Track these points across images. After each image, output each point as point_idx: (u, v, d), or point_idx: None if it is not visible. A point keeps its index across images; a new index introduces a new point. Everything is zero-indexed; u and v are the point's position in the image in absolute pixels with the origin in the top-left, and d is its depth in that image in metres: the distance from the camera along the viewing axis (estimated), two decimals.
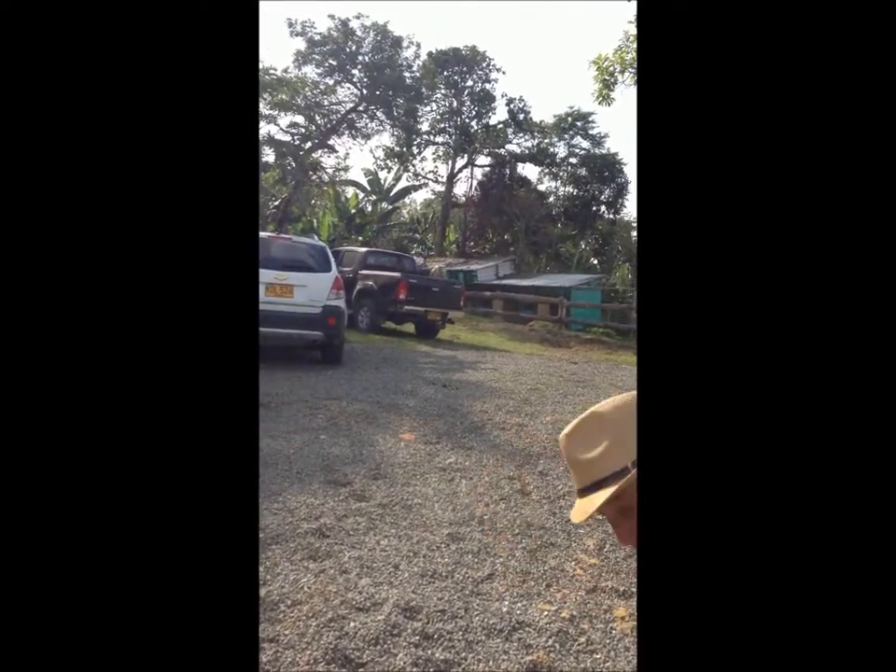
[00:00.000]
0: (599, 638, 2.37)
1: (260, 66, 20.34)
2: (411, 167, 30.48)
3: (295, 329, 7.28)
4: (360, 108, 26.76)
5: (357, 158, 68.16)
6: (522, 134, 30.07)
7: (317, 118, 25.83)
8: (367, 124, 27.42)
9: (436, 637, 2.29)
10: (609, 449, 1.08)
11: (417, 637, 2.27)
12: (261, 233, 7.91)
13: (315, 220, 28.06)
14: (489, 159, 30.74)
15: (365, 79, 26.16)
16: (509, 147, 30.29)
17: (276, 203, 26.60)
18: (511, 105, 29.31)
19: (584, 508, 1.06)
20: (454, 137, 29.82)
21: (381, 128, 27.68)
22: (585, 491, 1.08)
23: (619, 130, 57.24)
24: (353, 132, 27.15)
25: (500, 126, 29.98)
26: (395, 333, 12.33)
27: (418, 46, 28.81)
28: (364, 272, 12.37)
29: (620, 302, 20.73)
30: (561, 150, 30.54)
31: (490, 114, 29.97)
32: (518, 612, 2.50)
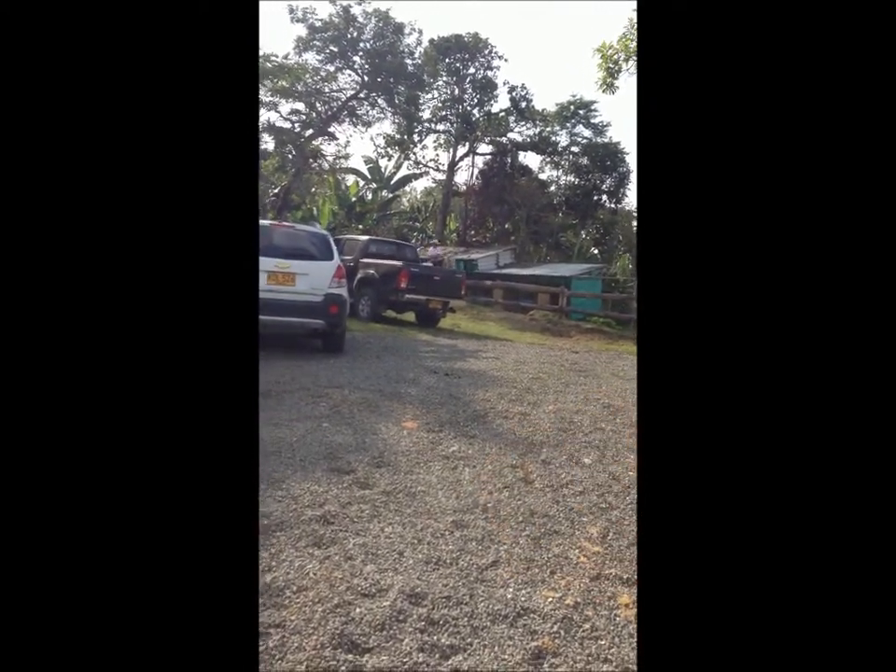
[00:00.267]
0: (603, 625, 2.39)
1: (261, 53, 20.20)
2: (412, 155, 30.37)
3: (297, 317, 7.27)
4: (361, 95, 26.60)
5: (357, 145, 67.90)
6: (524, 123, 29.92)
7: (318, 105, 25.68)
8: (368, 111, 27.28)
9: (441, 622, 2.30)
10: None
11: (423, 623, 2.28)
12: (264, 221, 7.88)
13: (314, 208, 27.99)
14: (490, 147, 30.61)
15: (366, 66, 25.99)
16: (510, 135, 30.16)
17: (276, 190, 26.51)
18: (513, 93, 29.16)
19: None
20: (455, 125, 29.67)
21: (382, 115, 27.54)
22: None
23: (621, 119, 56.99)
24: (353, 119, 27.01)
25: (502, 114, 29.83)
26: (395, 322, 12.33)
27: (420, 33, 28.64)
28: (365, 260, 12.35)
29: (620, 292, 20.71)
30: (563, 139, 30.43)
31: (492, 102, 29.83)
32: (523, 599, 2.51)
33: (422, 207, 35.07)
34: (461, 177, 31.72)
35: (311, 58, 25.37)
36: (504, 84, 30.27)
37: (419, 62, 27.57)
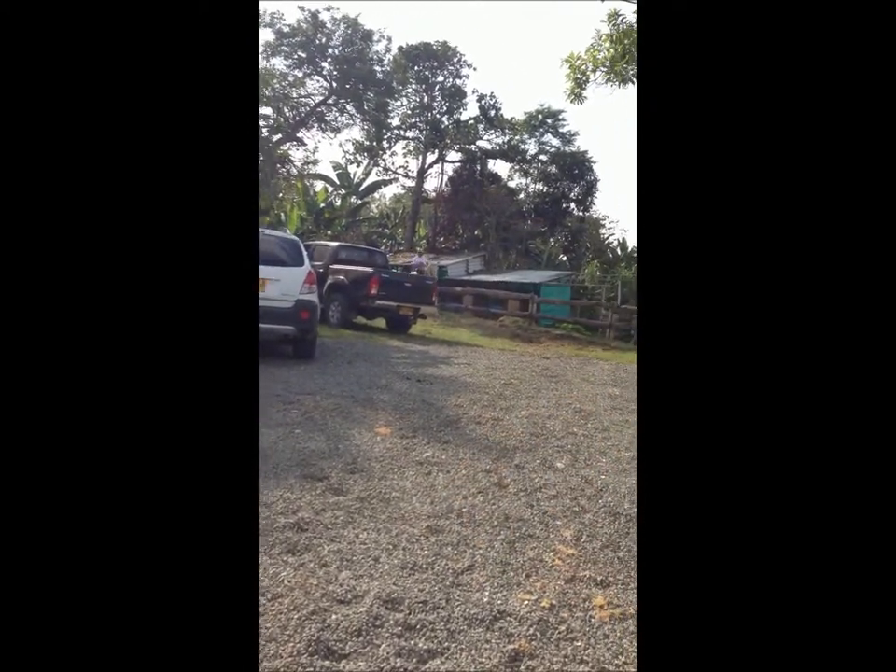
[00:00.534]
0: (579, 626, 2.41)
1: None
2: (381, 162, 30.34)
3: (267, 323, 7.19)
4: (330, 101, 26.50)
5: (326, 151, 67.51)
6: (493, 131, 30.13)
7: (286, 110, 25.50)
8: (336, 118, 27.17)
9: (418, 627, 2.30)
10: None
11: (400, 628, 2.27)
12: None
13: (282, 214, 27.72)
14: (460, 154, 30.75)
15: (335, 72, 25.91)
16: (479, 143, 30.34)
17: None
18: (482, 102, 29.38)
19: None
20: (424, 132, 29.75)
21: (351, 122, 27.46)
22: None
23: (588, 128, 57.74)
24: (322, 125, 26.88)
25: (471, 122, 30.01)
26: (366, 328, 12.28)
27: (389, 40, 28.52)
28: (335, 266, 12.29)
29: (589, 299, 20.95)
30: (531, 147, 30.73)
31: (461, 110, 29.99)
32: (499, 602, 2.52)
33: (391, 214, 35.03)
34: (430, 184, 31.82)
35: (278, 63, 25.22)
36: (473, 92, 30.45)
37: (388, 69, 27.59)
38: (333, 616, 2.31)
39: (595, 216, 31.32)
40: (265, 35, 25.36)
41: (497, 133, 30.18)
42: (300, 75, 25.79)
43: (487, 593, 2.59)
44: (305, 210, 28.79)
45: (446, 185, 30.47)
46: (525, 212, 30.09)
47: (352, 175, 30.86)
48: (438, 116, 29.85)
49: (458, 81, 29.65)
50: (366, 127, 27.94)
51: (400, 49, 28.62)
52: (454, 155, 30.96)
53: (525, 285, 20.06)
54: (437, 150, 30.23)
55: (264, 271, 7.26)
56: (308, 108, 26.24)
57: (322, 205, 29.41)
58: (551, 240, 29.73)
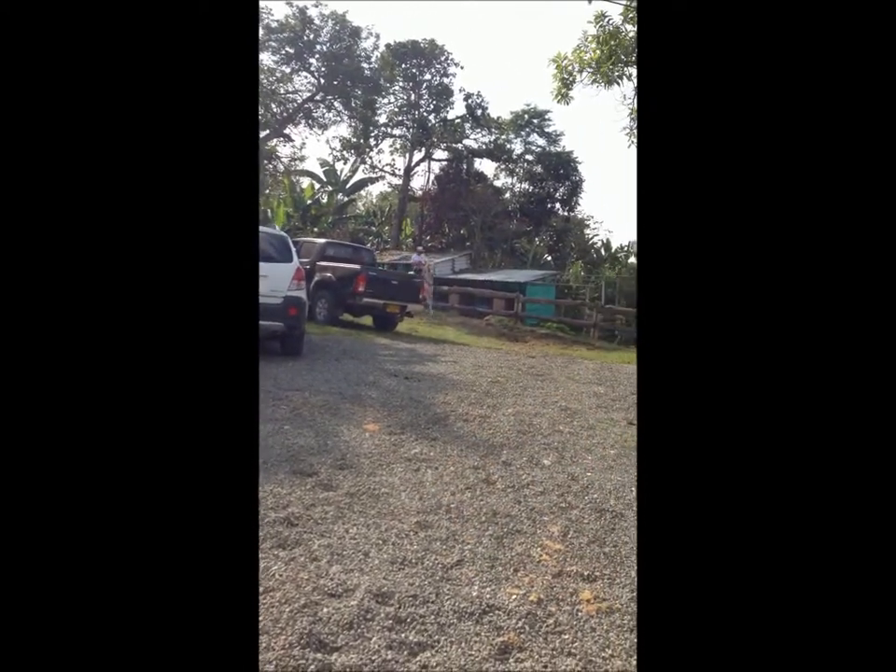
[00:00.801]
0: (567, 620, 2.45)
1: None
2: (368, 159, 30.28)
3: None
4: (317, 98, 26.41)
5: (313, 148, 67.21)
6: (479, 130, 30.18)
7: (273, 106, 25.38)
8: (324, 114, 27.10)
9: (409, 620, 2.33)
10: None
11: (390, 622, 2.30)
12: None
13: (269, 210, 27.57)
14: (446, 153, 30.76)
15: (322, 69, 25.82)
16: (466, 142, 30.38)
17: None
18: (469, 101, 29.40)
19: None
20: (411, 130, 29.73)
21: (338, 118, 27.40)
22: None
23: (574, 128, 57.96)
24: (309, 121, 26.79)
25: (458, 121, 30.02)
26: (353, 326, 12.27)
27: (377, 37, 28.59)
28: (322, 263, 12.26)
29: (573, 299, 21.06)
30: (517, 147, 30.83)
31: (448, 108, 30.00)
32: (488, 596, 2.55)
33: (378, 211, 34.95)
34: (417, 182, 31.82)
35: (266, 59, 25.11)
36: (460, 91, 30.48)
37: (376, 66, 27.54)
38: (325, 609, 2.33)
39: (579, 216, 31.47)
40: None
41: (484, 133, 30.25)
42: (287, 70, 25.69)
43: (476, 587, 2.62)
44: (292, 207, 28.65)
45: (433, 183, 30.48)
46: (510, 211, 30.16)
47: (339, 172, 30.77)
48: (425, 114, 29.83)
49: (445, 80, 29.68)
50: (353, 124, 27.88)
51: (388, 46, 28.58)
52: (440, 153, 31.01)
53: (510, 284, 20.13)
54: (424, 148, 30.22)
55: None
56: (295, 104, 26.12)
57: (309, 202, 29.29)
58: (536, 239, 29.81)
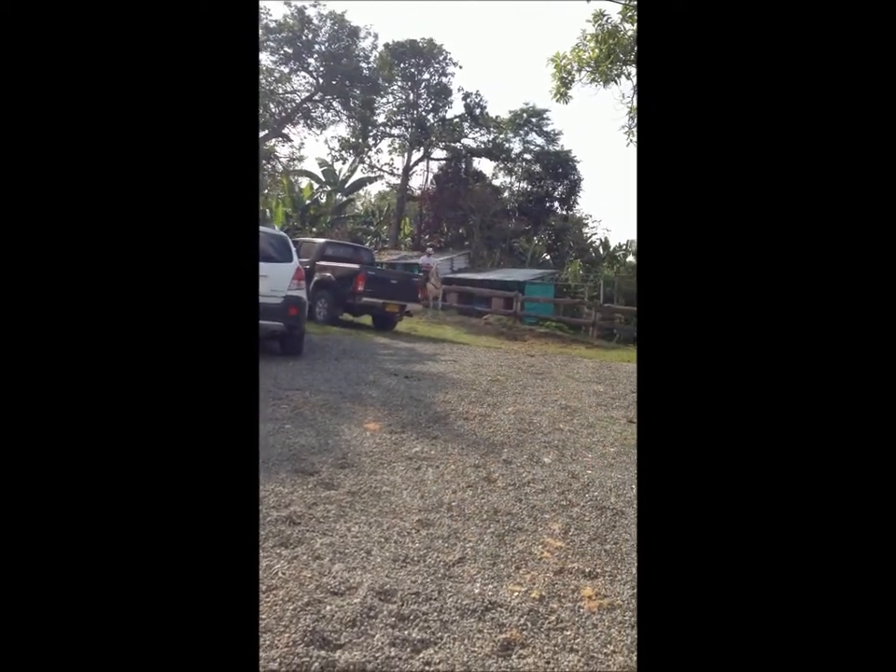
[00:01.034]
0: (568, 616, 2.46)
1: None
2: (366, 159, 30.29)
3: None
4: (316, 98, 26.41)
5: (312, 148, 67.25)
6: (478, 129, 30.19)
7: (272, 106, 25.37)
8: (322, 114, 27.11)
9: (411, 618, 2.34)
10: None
11: (393, 619, 2.31)
12: None
13: (267, 210, 27.57)
14: (445, 152, 30.77)
15: (321, 69, 25.82)
16: (464, 141, 30.39)
17: None
18: (468, 100, 29.41)
19: None
20: (410, 130, 29.73)
21: (337, 118, 27.41)
22: None
23: (573, 127, 57.98)
24: (308, 121, 26.79)
25: (456, 120, 30.03)
26: (352, 325, 12.27)
27: (375, 37, 28.50)
28: (322, 263, 12.26)
29: (572, 297, 21.08)
30: (516, 146, 30.84)
31: (446, 108, 30.01)
32: (490, 593, 2.57)
33: (376, 211, 34.95)
34: (416, 182, 31.82)
35: (265, 59, 25.11)
36: (458, 90, 30.48)
37: (374, 66, 27.54)
38: (328, 607, 2.34)
39: (578, 215, 31.53)
40: None
41: (482, 132, 30.26)
42: (286, 70, 25.69)
43: (478, 584, 2.63)
44: (291, 207, 28.64)
45: (431, 183, 30.48)
46: (509, 210, 30.18)
47: (337, 172, 30.77)
48: (423, 113, 29.83)
49: (444, 79, 29.69)
50: (352, 124, 27.88)
51: (387, 46, 28.58)
52: (439, 153, 31.02)
53: (509, 283, 20.14)
54: (422, 148, 30.22)
55: None
56: (294, 104, 26.12)
57: (307, 202, 29.28)
58: (535, 238, 29.84)
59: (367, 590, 2.48)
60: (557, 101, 12.92)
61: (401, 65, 29.09)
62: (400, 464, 4.08)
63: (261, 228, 8.93)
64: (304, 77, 26.28)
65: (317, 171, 30.93)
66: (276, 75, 25.33)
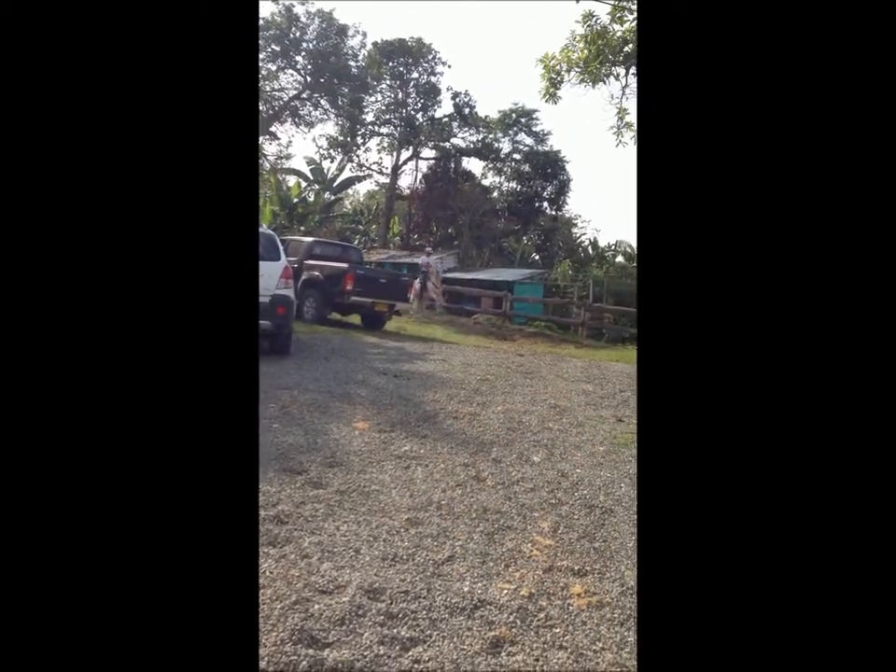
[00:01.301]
0: (558, 614, 2.46)
1: None
2: (355, 157, 30.22)
3: None
4: (304, 96, 26.33)
5: (300, 146, 66.94)
6: (467, 129, 30.21)
7: (259, 104, 25.25)
8: (310, 112, 27.04)
9: (401, 616, 2.33)
10: None
11: (382, 617, 2.30)
12: None
13: None
14: (434, 152, 30.76)
15: (309, 67, 25.74)
16: (454, 140, 30.40)
17: None
18: (457, 99, 29.42)
19: None
20: (399, 129, 29.69)
21: (325, 117, 27.34)
22: None
23: (562, 127, 58.16)
24: (296, 119, 26.71)
25: (445, 120, 30.03)
26: (340, 324, 12.24)
27: (364, 35, 28.55)
28: (310, 262, 12.22)
29: (561, 297, 21.13)
30: (505, 146, 30.88)
31: (435, 107, 30.00)
32: (479, 591, 2.56)
33: (365, 210, 34.89)
34: (405, 181, 31.79)
35: None
36: (448, 90, 30.49)
37: (363, 64, 27.48)
38: (316, 606, 2.33)
39: (567, 215, 31.62)
40: None
41: (472, 131, 30.28)
42: (273, 68, 25.59)
43: (468, 582, 2.63)
44: (278, 205, 28.51)
45: (420, 182, 30.46)
46: (498, 210, 30.21)
47: (326, 171, 30.67)
48: (412, 112, 29.81)
49: (433, 78, 29.68)
50: (340, 122, 27.81)
51: (375, 44, 28.53)
52: (428, 152, 31.00)
53: (498, 283, 20.17)
54: (411, 147, 30.20)
55: None
56: (282, 102, 26.03)
57: (295, 200, 29.15)
58: (524, 238, 29.89)
59: (355, 588, 2.47)
60: (546, 101, 12.95)
61: (390, 64, 29.04)
62: (389, 463, 4.07)
63: None
64: (292, 75, 26.23)
65: (305, 169, 30.84)
66: (264, 72, 25.23)
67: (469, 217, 27.75)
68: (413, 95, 29.88)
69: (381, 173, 31.15)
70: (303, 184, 30.77)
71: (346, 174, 31.11)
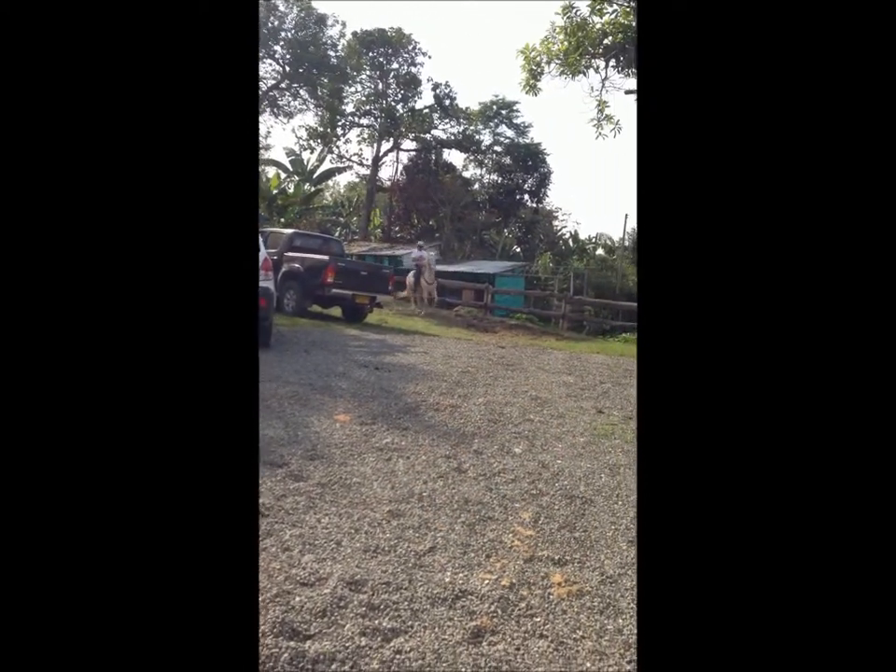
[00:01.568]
0: (538, 603, 2.48)
1: None
2: (335, 148, 30.00)
3: None
4: (283, 86, 26.05)
5: (278, 137, 66.35)
6: (447, 120, 30.13)
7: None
8: (289, 102, 26.77)
9: (382, 607, 2.33)
10: None
11: (364, 609, 2.30)
12: None
13: None
14: (415, 143, 30.64)
15: (288, 56, 25.46)
16: (434, 132, 30.32)
17: None
18: (437, 91, 29.32)
19: None
20: (379, 120, 29.52)
21: (304, 107, 27.09)
22: None
23: (542, 120, 58.21)
24: (275, 109, 26.43)
25: (426, 111, 29.92)
26: (321, 317, 12.18)
27: (343, 25, 28.30)
28: (290, 254, 12.13)
29: (542, 290, 21.23)
30: (486, 138, 30.86)
31: (416, 98, 29.87)
32: (460, 582, 2.57)
33: (346, 202, 34.69)
34: (385, 173, 31.76)
35: None
36: (428, 81, 30.36)
37: (342, 54, 27.24)
38: (297, 598, 2.32)
39: (548, 207, 31.72)
40: None
41: (452, 123, 30.21)
42: None
43: (449, 573, 2.64)
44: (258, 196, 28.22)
45: (401, 173, 30.37)
46: (479, 202, 30.22)
47: (305, 162, 30.41)
48: (393, 103, 29.65)
49: (413, 69, 29.54)
50: (320, 113, 27.59)
51: (355, 34, 28.30)
52: (408, 144, 30.88)
53: (479, 275, 20.19)
54: (392, 138, 30.05)
55: None
56: (260, 92, 25.70)
57: (275, 192, 28.88)
58: (505, 231, 29.95)
59: (337, 580, 2.47)
60: (527, 93, 12.98)
61: (370, 54, 28.83)
62: (371, 455, 4.07)
63: None
64: (270, 65, 25.91)
65: (285, 160, 30.55)
66: None
67: (450, 209, 27.72)
68: (394, 86, 29.72)
69: (361, 164, 31.01)
70: (283, 175, 30.49)
71: (326, 165, 30.92)
